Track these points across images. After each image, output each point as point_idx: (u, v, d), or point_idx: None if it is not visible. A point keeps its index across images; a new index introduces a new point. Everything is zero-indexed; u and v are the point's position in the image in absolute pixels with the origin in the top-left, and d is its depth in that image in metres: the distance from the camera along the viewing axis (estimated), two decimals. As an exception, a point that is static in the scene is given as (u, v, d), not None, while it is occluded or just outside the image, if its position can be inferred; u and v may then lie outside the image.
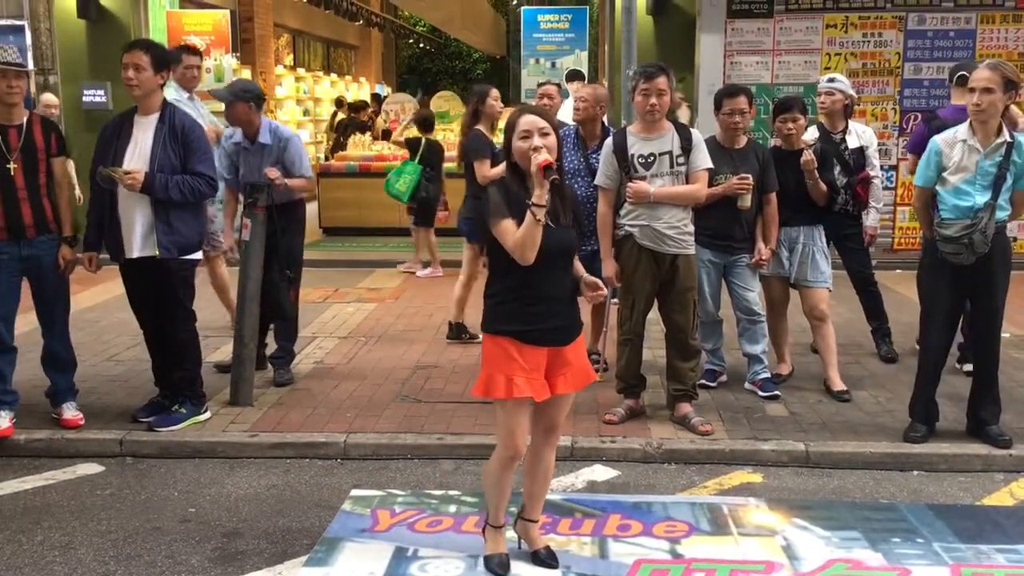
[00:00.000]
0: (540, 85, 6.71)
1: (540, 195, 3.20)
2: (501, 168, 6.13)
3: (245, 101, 5.47)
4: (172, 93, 6.42)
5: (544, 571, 3.55)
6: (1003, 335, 4.84)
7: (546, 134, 3.30)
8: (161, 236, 4.75)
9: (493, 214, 3.30)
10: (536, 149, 3.23)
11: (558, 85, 6.57)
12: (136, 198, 4.73)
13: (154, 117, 4.79)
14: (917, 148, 6.55)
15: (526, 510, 3.66)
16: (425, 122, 9.71)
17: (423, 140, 9.44)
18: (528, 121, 3.32)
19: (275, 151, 5.55)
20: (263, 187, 5.32)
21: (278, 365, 5.79)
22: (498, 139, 6.18)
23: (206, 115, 6.76)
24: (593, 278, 3.52)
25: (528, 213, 3.21)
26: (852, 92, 6.08)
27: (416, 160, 9.30)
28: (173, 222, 4.78)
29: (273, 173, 5.38)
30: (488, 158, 6.29)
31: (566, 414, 3.59)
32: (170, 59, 5.02)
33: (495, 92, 6.51)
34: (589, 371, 3.54)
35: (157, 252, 4.76)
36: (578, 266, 3.59)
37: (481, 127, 6.45)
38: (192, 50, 6.69)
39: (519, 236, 3.24)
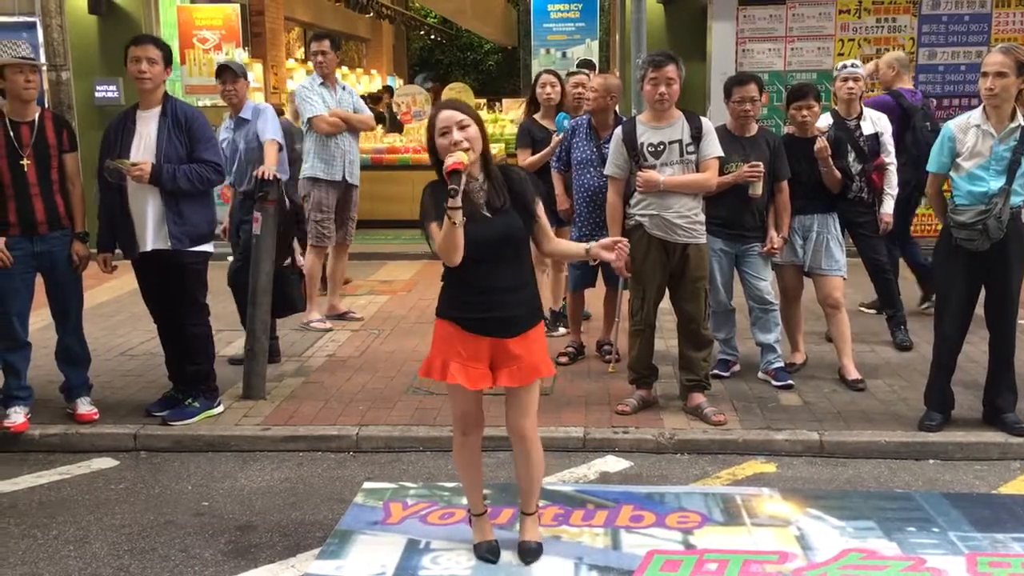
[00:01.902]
0: (570, 74, 6.64)
1: (453, 199, 3.11)
2: (536, 157, 6.18)
3: (245, 78, 5.87)
4: (306, 79, 6.93)
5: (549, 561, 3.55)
6: (1019, 322, 4.79)
7: (465, 126, 3.23)
8: (172, 227, 4.78)
9: (423, 218, 3.28)
10: (456, 144, 3.17)
11: (588, 74, 6.48)
12: (146, 191, 4.75)
13: (156, 110, 4.81)
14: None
15: (520, 503, 3.67)
16: None
17: None
18: (445, 117, 3.24)
19: (252, 124, 5.81)
20: (273, 181, 5.33)
21: None
22: (552, 125, 6.25)
23: (351, 101, 6.92)
24: (608, 240, 3.45)
25: (445, 217, 3.14)
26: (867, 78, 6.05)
27: None
28: (184, 211, 4.81)
29: (261, 171, 5.35)
30: (528, 147, 6.35)
31: (530, 418, 3.49)
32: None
33: (544, 77, 6.38)
34: (539, 368, 3.44)
35: (169, 244, 4.79)
36: (570, 246, 3.58)
37: (538, 115, 6.46)
38: (321, 36, 6.80)
39: (439, 241, 3.20)
